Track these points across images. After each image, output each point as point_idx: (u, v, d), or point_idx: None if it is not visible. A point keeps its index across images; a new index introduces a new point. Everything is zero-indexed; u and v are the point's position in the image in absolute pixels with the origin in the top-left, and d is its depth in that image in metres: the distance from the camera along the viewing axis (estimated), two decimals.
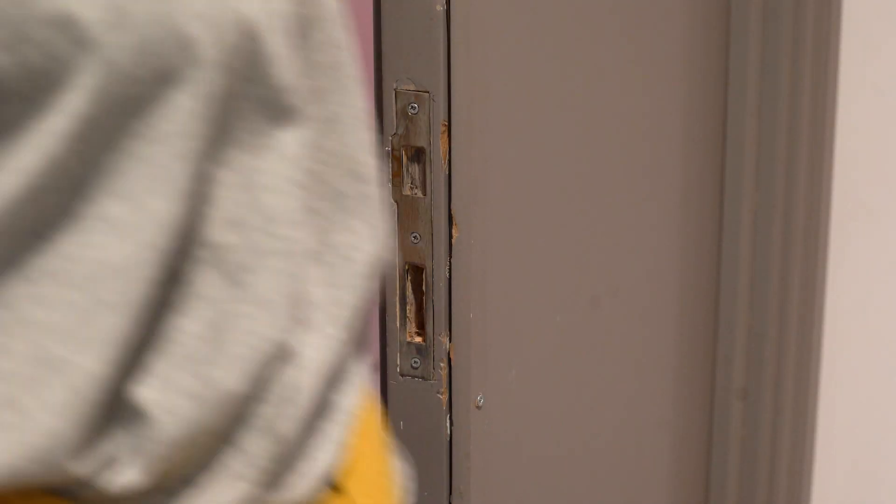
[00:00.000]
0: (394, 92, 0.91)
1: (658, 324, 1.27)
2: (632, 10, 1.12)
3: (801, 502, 1.44)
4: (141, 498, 0.57)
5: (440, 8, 0.87)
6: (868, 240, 1.40)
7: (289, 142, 0.57)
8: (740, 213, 1.35)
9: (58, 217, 0.53)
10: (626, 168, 1.15)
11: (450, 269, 0.92)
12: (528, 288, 1.01)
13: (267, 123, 0.57)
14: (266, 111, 0.56)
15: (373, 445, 0.67)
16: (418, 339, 0.94)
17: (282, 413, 0.58)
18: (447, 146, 0.90)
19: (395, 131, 0.91)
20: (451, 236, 0.92)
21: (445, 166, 0.90)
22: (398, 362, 0.95)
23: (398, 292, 0.94)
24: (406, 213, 0.92)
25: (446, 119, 0.89)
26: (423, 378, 0.94)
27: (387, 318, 0.95)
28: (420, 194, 0.92)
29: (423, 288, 0.93)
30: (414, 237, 0.93)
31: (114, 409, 0.55)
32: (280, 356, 0.58)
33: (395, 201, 0.92)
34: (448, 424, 0.94)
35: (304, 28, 0.59)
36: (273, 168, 0.57)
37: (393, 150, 0.92)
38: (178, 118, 0.53)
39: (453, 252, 0.92)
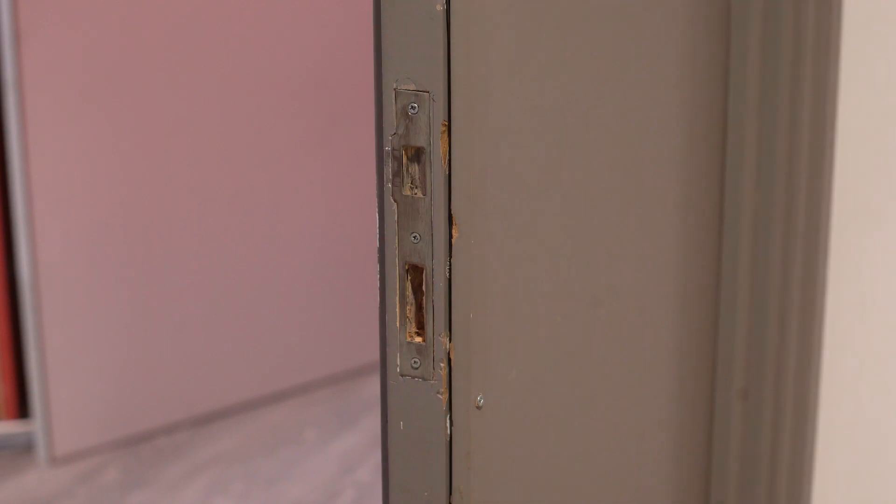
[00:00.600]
0: (394, 92, 0.91)
1: (658, 324, 1.27)
2: (632, 10, 1.12)
3: (802, 502, 1.44)
4: None
5: (440, 8, 0.87)
6: (868, 240, 1.40)
7: None
8: (740, 213, 1.35)
9: None
10: (627, 168, 1.15)
11: (450, 269, 0.92)
12: (528, 288, 1.01)
13: None
14: None
15: None
16: (418, 339, 0.94)
17: None
18: (447, 146, 0.90)
19: (395, 131, 0.91)
20: (451, 236, 0.92)
21: (445, 166, 0.90)
22: (398, 362, 0.95)
23: (398, 292, 0.94)
24: (406, 213, 0.92)
25: (446, 119, 0.89)
26: (423, 378, 0.94)
27: (387, 318, 0.95)
28: (420, 194, 0.92)
29: (423, 288, 0.93)
30: (414, 237, 0.93)
31: None
32: None
33: (395, 201, 0.92)
34: (448, 424, 0.94)
35: None
36: None
37: (393, 150, 0.92)
38: None
39: (453, 252, 0.92)
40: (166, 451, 2.61)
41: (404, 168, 0.92)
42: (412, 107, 0.90)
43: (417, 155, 0.91)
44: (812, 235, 1.37)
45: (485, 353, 0.96)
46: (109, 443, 2.62)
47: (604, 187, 1.12)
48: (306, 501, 2.46)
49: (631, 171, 1.16)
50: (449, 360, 0.92)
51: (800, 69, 1.32)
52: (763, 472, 1.42)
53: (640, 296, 1.22)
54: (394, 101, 0.91)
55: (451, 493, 0.95)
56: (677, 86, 1.24)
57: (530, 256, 1.01)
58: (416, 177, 0.92)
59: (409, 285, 0.94)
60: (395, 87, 0.90)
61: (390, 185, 0.92)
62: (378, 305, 0.96)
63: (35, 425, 2.56)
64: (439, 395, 0.94)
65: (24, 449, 2.59)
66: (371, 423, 2.71)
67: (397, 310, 0.94)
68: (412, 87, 0.90)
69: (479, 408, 0.95)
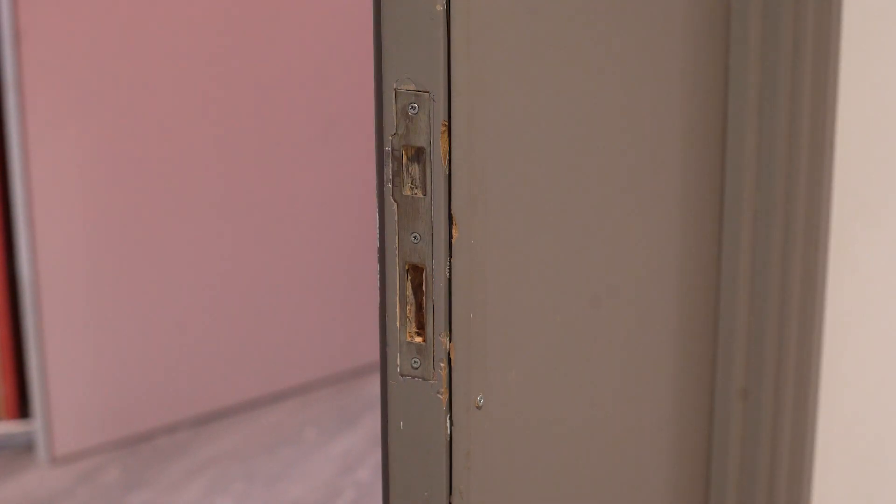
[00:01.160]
0: (394, 92, 0.91)
1: (658, 324, 1.27)
2: (632, 10, 1.12)
3: (802, 502, 1.44)
4: None
5: (440, 8, 0.87)
6: (868, 239, 1.40)
7: None
8: (740, 213, 1.35)
9: None
10: (627, 168, 1.15)
11: (450, 269, 0.92)
12: (528, 288, 1.01)
13: None
14: None
15: None
16: (418, 339, 0.94)
17: None
18: (447, 146, 0.90)
19: (395, 131, 0.91)
20: (451, 236, 0.92)
21: (445, 166, 0.90)
22: (398, 362, 0.95)
23: (398, 292, 0.94)
24: (406, 213, 0.92)
25: (446, 119, 0.89)
26: (423, 378, 0.94)
27: (387, 318, 0.95)
28: (420, 194, 0.92)
29: (423, 288, 0.93)
30: (414, 237, 0.93)
31: None
32: None
33: (395, 201, 0.92)
34: (448, 424, 0.94)
35: None
36: None
37: (393, 150, 0.92)
38: None
39: (453, 252, 0.92)
40: (167, 450, 2.62)
41: (404, 168, 0.92)
42: (412, 107, 0.90)
43: (417, 155, 0.91)
44: (812, 235, 1.37)
45: (485, 353, 0.96)
46: (110, 443, 2.62)
47: (604, 187, 1.12)
48: (306, 501, 2.46)
49: (631, 170, 1.16)
50: (449, 360, 0.93)
51: (799, 69, 1.32)
52: (762, 471, 1.42)
53: (640, 296, 1.22)
54: (394, 101, 0.91)
55: (451, 493, 0.95)
56: (677, 86, 1.24)
57: (530, 256, 1.02)
58: (417, 177, 0.92)
59: (409, 285, 0.94)
60: (395, 87, 0.91)
61: (390, 185, 0.92)
62: (378, 305, 0.96)
63: (35, 425, 2.56)
64: (439, 395, 0.94)
65: (24, 449, 2.59)
66: (371, 423, 2.71)
67: (397, 310, 0.94)
68: (412, 87, 0.90)
69: (479, 408, 0.95)
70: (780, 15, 1.30)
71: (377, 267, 0.95)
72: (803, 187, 1.34)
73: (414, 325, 0.94)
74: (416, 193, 0.92)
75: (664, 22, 1.19)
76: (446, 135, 0.90)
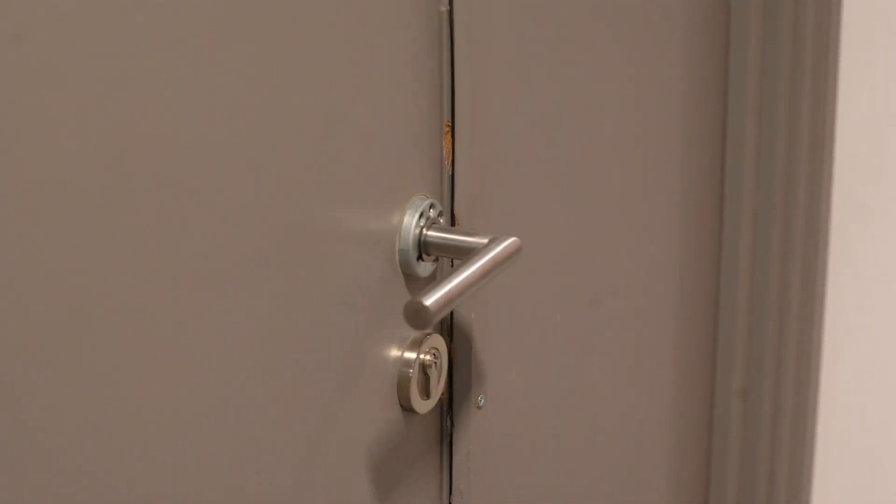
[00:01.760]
0: None
1: (658, 324, 1.27)
2: (632, 11, 1.12)
3: (801, 502, 1.44)
4: None
5: (443, 9, 0.87)
6: (868, 240, 1.40)
7: None
8: (740, 213, 1.35)
9: None
10: (627, 168, 1.15)
11: None
12: (528, 288, 1.01)
13: None
14: None
15: None
16: None
17: None
18: (450, 146, 0.90)
19: None
20: None
21: (449, 166, 0.90)
22: None
23: None
24: None
25: (449, 119, 0.89)
26: None
27: None
28: None
29: None
30: None
31: None
32: None
33: None
34: (448, 424, 0.94)
35: None
36: None
37: None
38: None
39: None
40: None
41: None
42: None
43: None
44: (811, 236, 1.37)
45: (485, 353, 0.96)
46: None
47: (604, 187, 1.12)
48: None
49: (631, 171, 1.16)
50: (449, 360, 0.92)
51: (799, 69, 1.32)
52: (762, 470, 1.42)
53: (639, 296, 1.22)
54: None
55: (451, 493, 0.95)
56: (677, 86, 1.24)
57: (531, 256, 1.02)
58: None
59: None
60: None
61: None
62: None
63: None
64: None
65: None
66: None
67: None
68: None
69: (479, 408, 0.95)
70: (780, 15, 1.30)
71: None
72: (803, 187, 1.34)
73: None
74: None
75: (664, 22, 1.19)
76: (449, 135, 0.90)
